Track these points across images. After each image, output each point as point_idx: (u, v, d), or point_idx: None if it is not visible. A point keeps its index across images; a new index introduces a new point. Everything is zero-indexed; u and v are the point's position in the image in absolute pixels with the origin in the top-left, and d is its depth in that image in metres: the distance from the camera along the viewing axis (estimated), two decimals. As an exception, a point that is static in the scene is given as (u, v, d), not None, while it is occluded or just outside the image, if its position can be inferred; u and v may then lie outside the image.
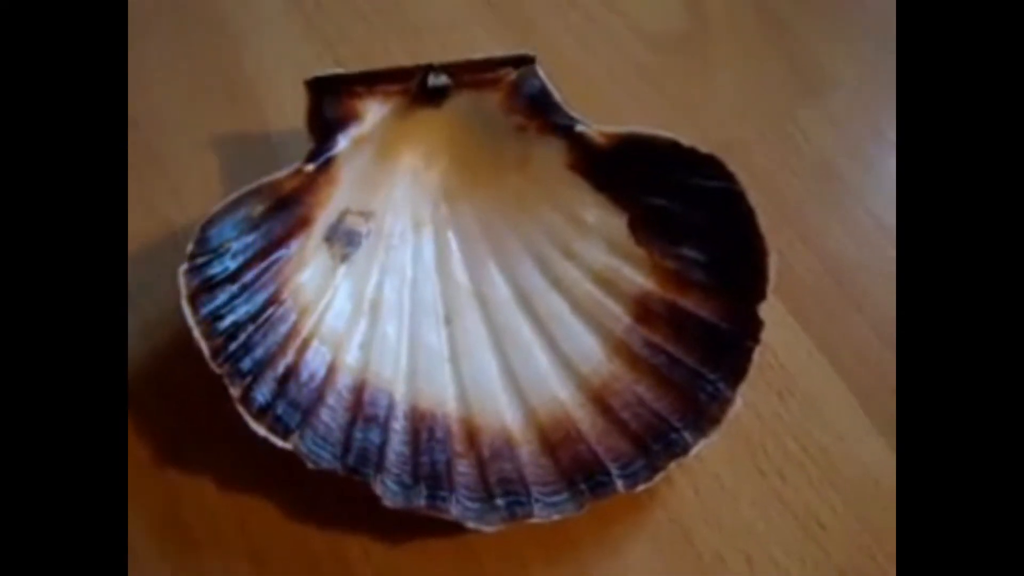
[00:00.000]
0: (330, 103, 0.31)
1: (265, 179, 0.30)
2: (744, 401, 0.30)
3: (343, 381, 0.30)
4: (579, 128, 0.32)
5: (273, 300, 0.29)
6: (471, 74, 0.32)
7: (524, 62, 0.32)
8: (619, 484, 0.29)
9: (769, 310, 0.30)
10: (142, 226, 0.34)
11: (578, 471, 0.29)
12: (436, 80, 0.32)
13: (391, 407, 0.30)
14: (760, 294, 0.30)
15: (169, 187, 0.35)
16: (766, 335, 0.30)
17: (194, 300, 0.28)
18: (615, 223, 0.32)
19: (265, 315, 0.29)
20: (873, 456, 0.31)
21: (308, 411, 0.28)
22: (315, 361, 0.30)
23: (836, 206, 0.36)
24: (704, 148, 0.31)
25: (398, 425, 0.29)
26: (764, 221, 0.31)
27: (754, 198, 0.31)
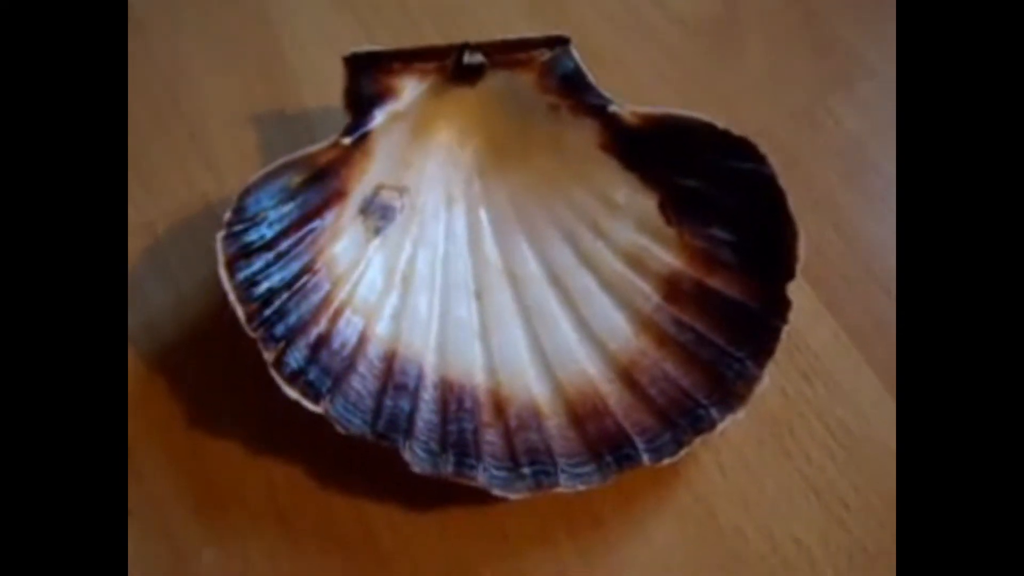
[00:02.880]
0: (367, 79, 0.32)
1: (303, 151, 0.31)
2: (771, 382, 0.30)
3: (374, 350, 0.30)
4: (611, 108, 0.32)
5: (307, 269, 0.30)
6: (506, 53, 0.32)
7: (558, 43, 0.33)
8: (645, 457, 0.29)
9: (797, 292, 0.31)
10: (180, 201, 0.35)
11: (604, 444, 0.29)
12: (471, 58, 0.32)
13: (421, 377, 0.30)
14: (788, 274, 0.31)
15: (207, 163, 0.36)
16: (794, 318, 0.31)
17: (231, 266, 0.29)
18: (646, 203, 0.33)
19: (299, 283, 0.30)
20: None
21: (339, 377, 0.29)
22: (347, 330, 0.30)
23: (866, 191, 0.36)
24: (736, 132, 0.32)
25: (427, 394, 0.30)
26: (794, 205, 0.31)
27: (785, 182, 0.31)
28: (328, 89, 0.33)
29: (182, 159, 0.36)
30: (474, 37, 0.33)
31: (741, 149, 0.32)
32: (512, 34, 0.33)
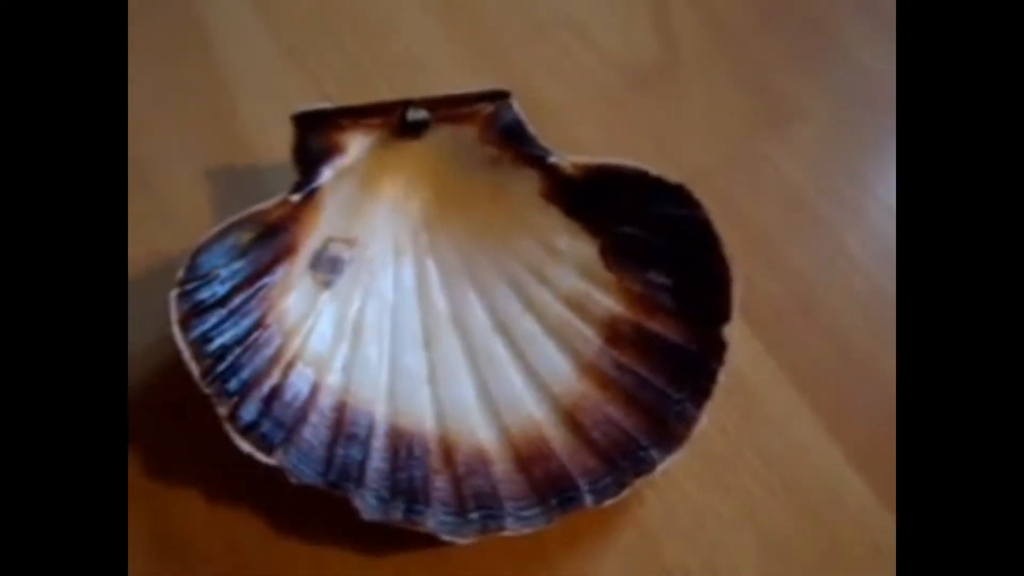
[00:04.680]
0: (315, 136, 0.33)
1: (253, 209, 0.31)
2: (710, 420, 0.31)
3: (326, 401, 0.31)
4: (551, 159, 0.33)
5: (259, 324, 0.31)
6: (449, 108, 0.33)
7: (499, 97, 0.34)
8: (588, 499, 0.30)
9: (735, 333, 0.32)
10: (136, 255, 0.36)
11: (549, 487, 0.30)
12: (415, 114, 0.33)
13: (371, 426, 0.31)
14: (724, 317, 0.32)
15: (162, 218, 0.37)
16: (732, 357, 0.32)
17: (184, 323, 0.30)
18: (586, 249, 0.34)
19: (251, 338, 0.31)
20: (835, 471, 0.32)
21: (292, 429, 0.30)
22: (299, 382, 0.31)
23: (802, 233, 0.37)
24: (672, 177, 0.33)
25: (378, 443, 0.31)
26: (732, 247, 0.32)
27: (721, 225, 0.32)
28: (279, 143, 0.34)
29: (134, 213, 0.37)
30: (422, 90, 0.34)
31: (675, 195, 0.33)
32: (458, 85, 0.34)
